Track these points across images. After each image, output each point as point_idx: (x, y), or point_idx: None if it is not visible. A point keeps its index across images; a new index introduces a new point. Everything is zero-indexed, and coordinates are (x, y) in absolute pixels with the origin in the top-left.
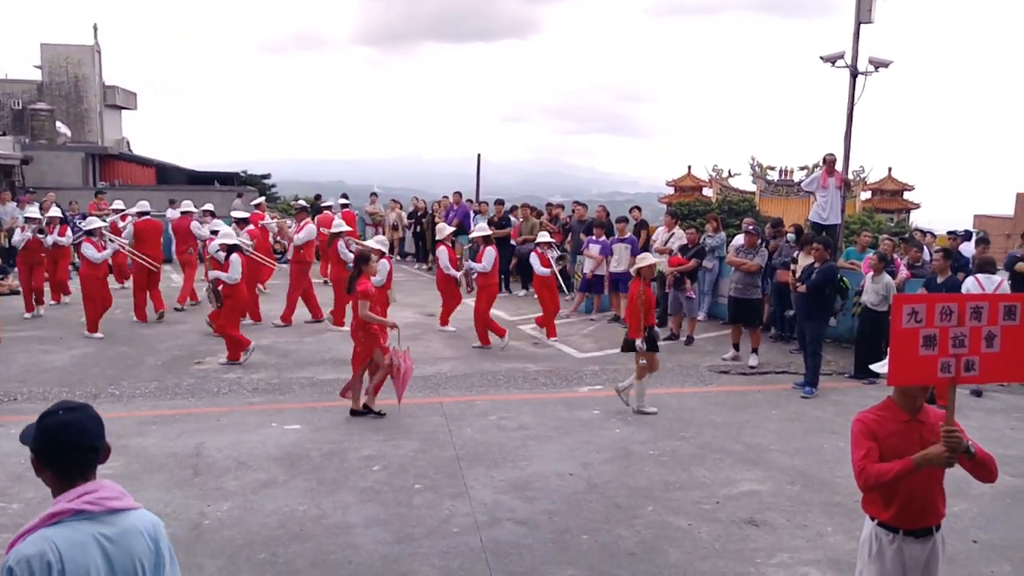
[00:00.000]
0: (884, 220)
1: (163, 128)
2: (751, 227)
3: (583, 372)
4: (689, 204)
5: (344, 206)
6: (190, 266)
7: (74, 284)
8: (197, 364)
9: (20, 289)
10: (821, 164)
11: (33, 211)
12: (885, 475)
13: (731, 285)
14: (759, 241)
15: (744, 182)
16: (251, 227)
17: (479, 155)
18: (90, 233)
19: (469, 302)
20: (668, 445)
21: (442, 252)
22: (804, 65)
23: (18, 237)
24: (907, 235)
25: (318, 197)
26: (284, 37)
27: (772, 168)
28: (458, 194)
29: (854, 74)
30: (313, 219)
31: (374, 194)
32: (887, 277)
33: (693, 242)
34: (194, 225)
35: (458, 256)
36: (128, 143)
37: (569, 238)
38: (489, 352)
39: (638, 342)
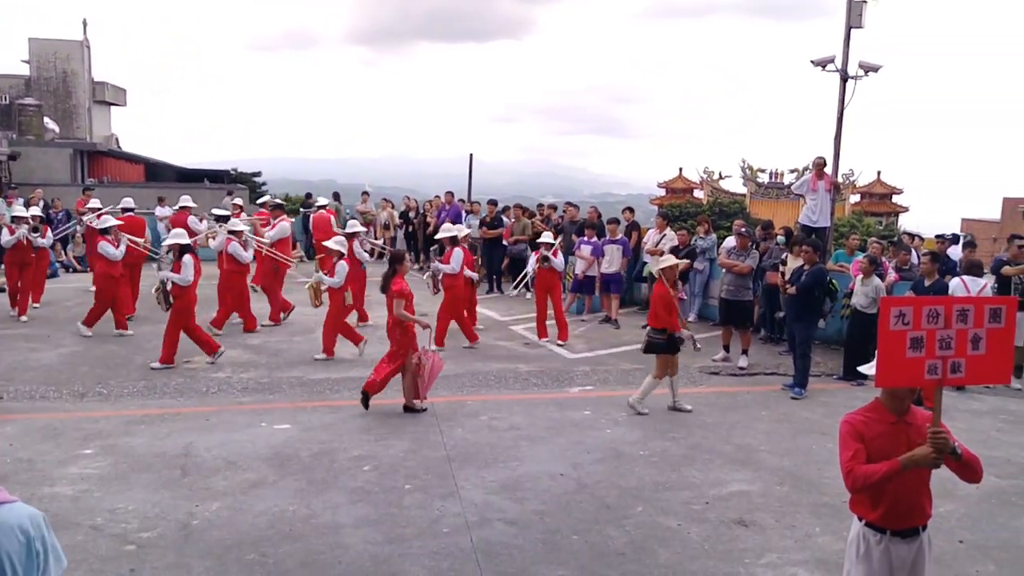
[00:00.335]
0: (873, 223)
1: (153, 125)
2: (743, 229)
3: (574, 373)
4: (680, 206)
5: (322, 206)
6: None
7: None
8: (186, 363)
9: (6, 287)
10: (811, 167)
11: (20, 209)
12: (872, 476)
13: (722, 287)
14: (750, 243)
15: (735, 184)
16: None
17: (471, 155)
18: (105, 231)
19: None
20: (658, 445)
21: (457, 253)
22: (795, 68)
23: (8, 237)
24: (896, 238)
25: (308, 196)
26: (276, 35)
27: (763, 171)
28: (450, 194)
29: (844, 78)
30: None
31: (365, 193)
32: (876, 280)
33: (684, 243)
34: (191, 220)
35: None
36: (117, 140)
37: (560, 239)
38: (480, 352)
39: (649, 330)
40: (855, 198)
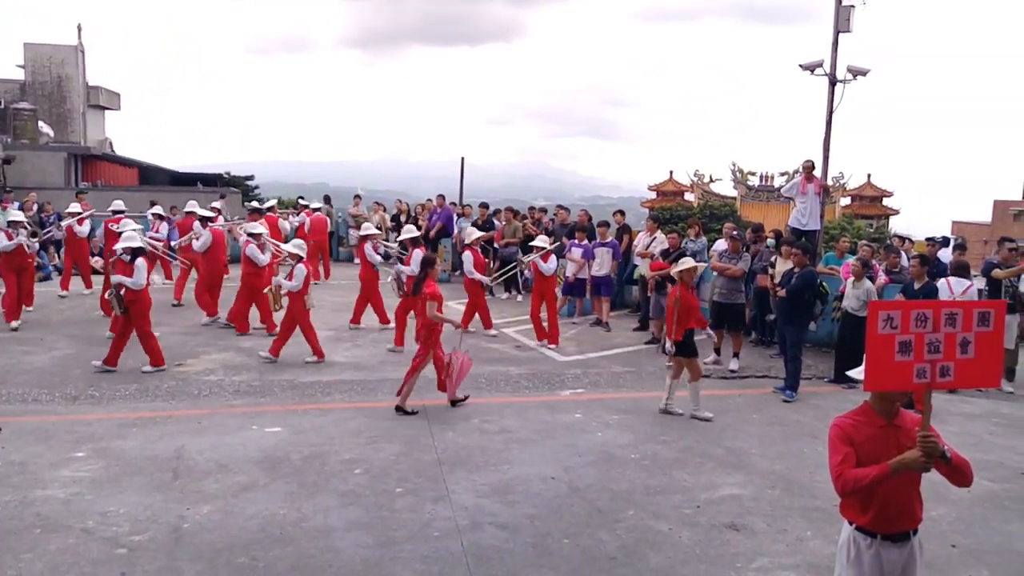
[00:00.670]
0: (864, 226)
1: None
2: (734, 232)
3: (565, 375)
4: (671, 209)
5: (316, 209)
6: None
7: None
8: (178, 366)
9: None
10: (800, 170)
11: (18, 214)
12: (862, 480)
13: (714, 290)
14: (742, 246)
15: (725, 187)
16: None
17: (463, 158)
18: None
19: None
20: (650, 449)
21: (467, 256)
22: (785, 72)
23: (7, 242)
24: (887, 241)
25: (300, 199)
26: (271, 39)
27: (753, 174)
28: (441, 197)
29: (832, 82)
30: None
31: (357, 196)
32: (868, 283)
33: (674, 246)
34: (196, 226)
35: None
36: (111, 143)
37: (554, 241)
38: (471, 355)
39: (668, 345)
40: (845, 201)
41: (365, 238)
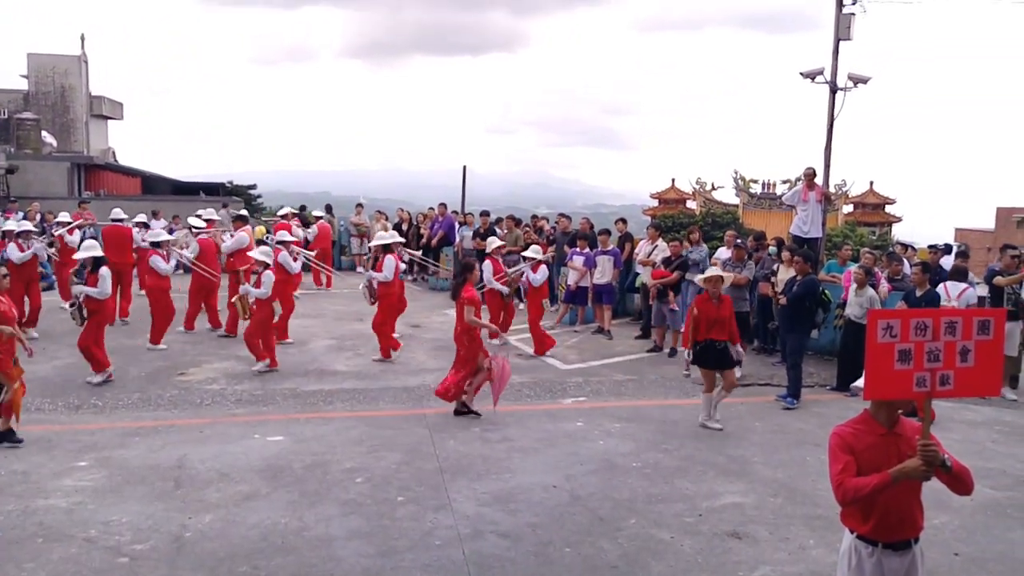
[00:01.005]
0: (866, 233)
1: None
2: (739, 241)
3: (567, 384)
4: (673, 217)
5: (319, 217)
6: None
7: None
8: (180, 375)
9: None
10: (802, 178)
11: (26, 224)
12: (863, 489)
13: None
14: (746, 254)
15: (728, 195)
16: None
17: (464, 167)
18: (157, 245)
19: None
20: (651, 457)
21: (487, 266)
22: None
23: (20, 254)
24: (890, 249)
25: (303, 208)
26: (274, 50)
27: (755, 181)
28: (443, 205)
29: (833, 90)
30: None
31: (360, 205)
32: (871, 290)
33: (676, 254)
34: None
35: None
36: (114, 153)
37: (553, 250)
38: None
39: (686, 352)
40: (848, 208)
41: (389, 246)
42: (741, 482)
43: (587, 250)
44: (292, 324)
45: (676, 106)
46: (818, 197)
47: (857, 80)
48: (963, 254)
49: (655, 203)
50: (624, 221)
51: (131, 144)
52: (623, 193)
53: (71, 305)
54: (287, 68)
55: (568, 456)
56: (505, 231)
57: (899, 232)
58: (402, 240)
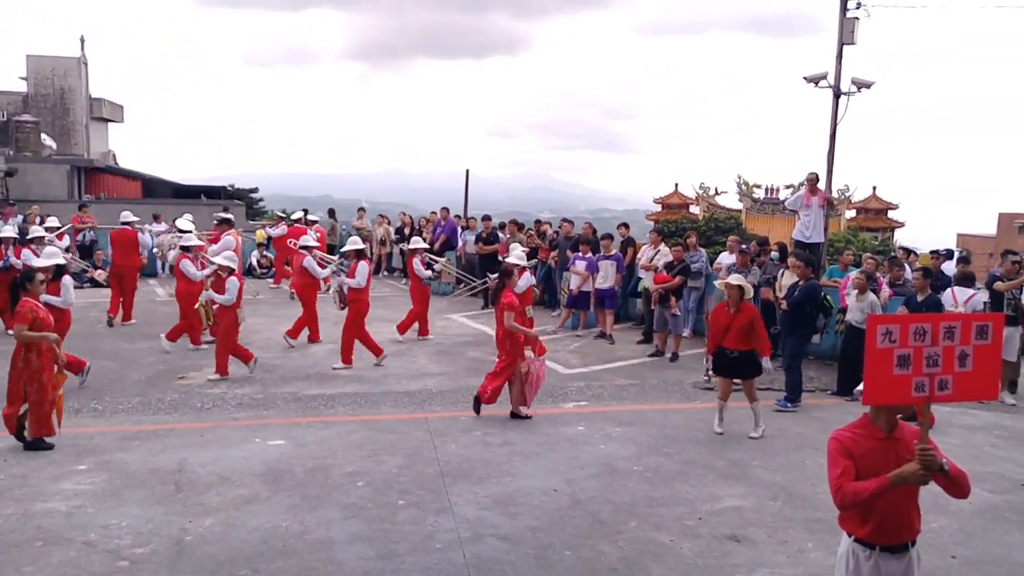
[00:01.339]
0: (869, 239)
1: (150, 141)
2: (743, 246)
3: (568, 388)
4: (676, 221)
5: (314, 221)
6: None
7: None
8: (181, 379)
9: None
10: (805, 183)
11: (38, 229)
12: (861, 494)
13: None
14: (750, 260)
15: (731, 200)
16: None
17: (467, 171)
18: (186, 249)
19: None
20: (652, 461)
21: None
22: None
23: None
24: (892, 254)
25: (305, 212)
26: (275, 52)
27: (758, 186)
28: (445, 209)
29: (837, 95)
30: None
31: (362, 209)
32: (872, 296)
33: (678, 259)
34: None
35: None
36: (114, 156)
37: (556, 254)
38: (474, 368)
39: (705, 362)
40: (851, 213)
41: (414, 252)
42: (741, 486)
43: (589, 255)
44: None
45: (679, 110)
46: (820, 202)
47: (861, 85)
48: (964, 260)
49: (658, 208)
50: (626, 226)
51: (132, 147)
52: (626, 197)
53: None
54: (289, 70)
55: (569, 460)
56: (508, 235)
57: (901, 237)
58: (427, 246)
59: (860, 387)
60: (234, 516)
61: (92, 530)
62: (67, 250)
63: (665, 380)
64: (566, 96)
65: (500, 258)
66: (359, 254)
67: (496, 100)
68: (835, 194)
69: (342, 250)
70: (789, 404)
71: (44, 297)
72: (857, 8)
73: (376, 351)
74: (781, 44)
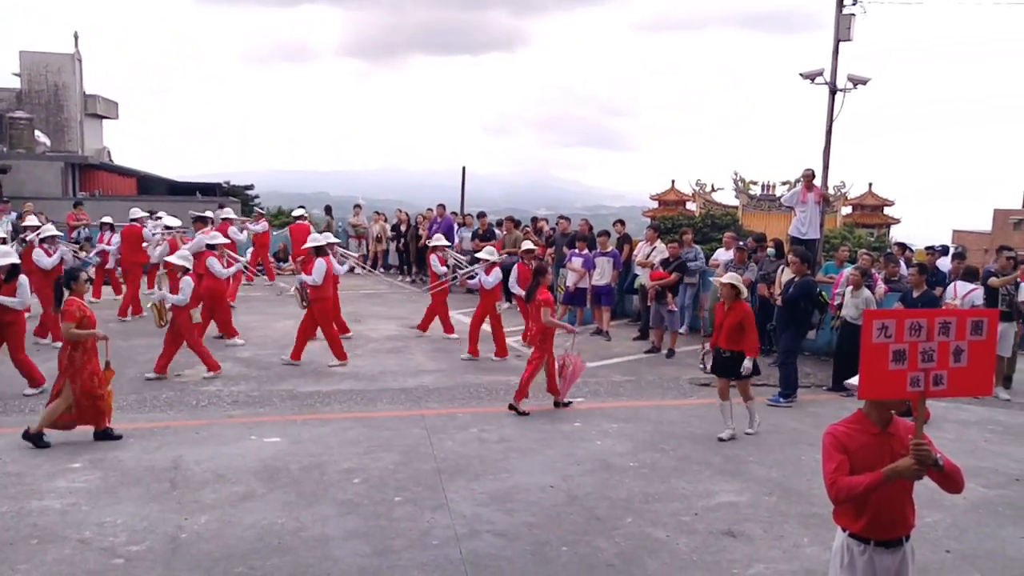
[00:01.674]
0: (864, 235)
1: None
2: (741, 243)
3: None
4: (673, 218)
5: (300, 217)
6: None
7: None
8: (177, 377)
9: None
10: (801, 179)
11: (50, 227)
12: (856, 488)
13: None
14: (747, 256)
15: (727, 197)
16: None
17: (464, 167)
18: (212, 247)
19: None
20: (648, 457)
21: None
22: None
23: (48, 260)
24: (888, 250)
25: (300, 208)
26: (270, 48)
27: (755, 183)
28: (442, 206)
29: (833, 91)
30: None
31: (358, 206)
32: (867, 292)
33: (674, 256)
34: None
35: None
36: (109, 153)
37: (552, 251)
38: (472, 365)
39: (702, 353)
40: (847, 210)
41: (433, 249)
42: (736, 481)
43: (586, 251)
44: (288, 325)
45: (676, 107)
46: (817, 199)
47: (857, 81)
48: (960, 256)
49: (655, 204)
50: (623, 223)
51: (126, 144)
52: (623, 194)
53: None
54: (285, 67)
55: (565, 456)
56: (504, 232)
57: (897, 234)
58: (447, 244)
59: (851, 380)
60: (230, 513)
61: (87, 528)
62: (80, 247)
63: (661, 376)
64: (563, 93)
65: (498, 254)
66: (318, 251)
67: (493, 97)
68: (831, 190)
69: (303, 247)
70: (782, 399)
71: (3, 299)
72: (853, 4)
73: (341, 355)
74: (778, 40)
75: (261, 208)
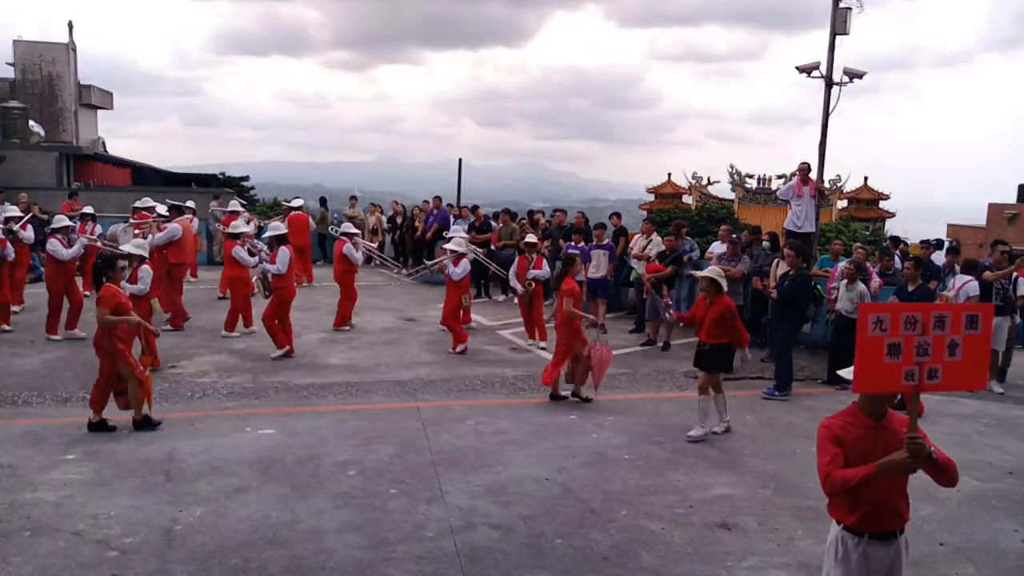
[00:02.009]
0: (860, 228)
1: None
2: (734, 236)
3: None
4: (669, 211)
5: (297, 208)
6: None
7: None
8: (171, 368)
9: None
10: (797, 173)
11: (62, 219)
12: (850, 481)
13: None
14: (740, 249)
15: (723, 190)
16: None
17: (460, 160)
18: (235, 236)
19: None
20: (643, 450)
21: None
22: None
23: (68, 251)
24: (883, 244)
25: (296, 198)
26: (267, 39)
27: (751, 176)
28: (438, 198)
29: (829, 84)
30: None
31: (353, 198)
32: (861, 285)
33: (670, 249)
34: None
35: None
36: (103, 143)
37: (548, 244)
38: (468, 357)
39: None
40: (842, 203)
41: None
42: (731, 474)
43: (582, 244)
44: None
45: (673, 101)
46: (812, 192)
47: (853, 75)
48: (954, 250)
49: (651, 197)
50: (618, 215)
51: (121, 134)
52: (619, 187)
53: None
54: (278, 58)
55: (560, 449)
56: (500, 225)
57: (893, 227)
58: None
59: (843, 371)
60: (224, 506)
61: (81, 520)
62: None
63: (657, 369)
64: (560, 86)
65: (492, 247)
66: (279, 240)
67: (490, 89)
68: (827, 184)
69: (265, 236)
70: (777, 392)
71: None
72: None
73: (282, 343)
74: (775, 34)
75: (241, 202)
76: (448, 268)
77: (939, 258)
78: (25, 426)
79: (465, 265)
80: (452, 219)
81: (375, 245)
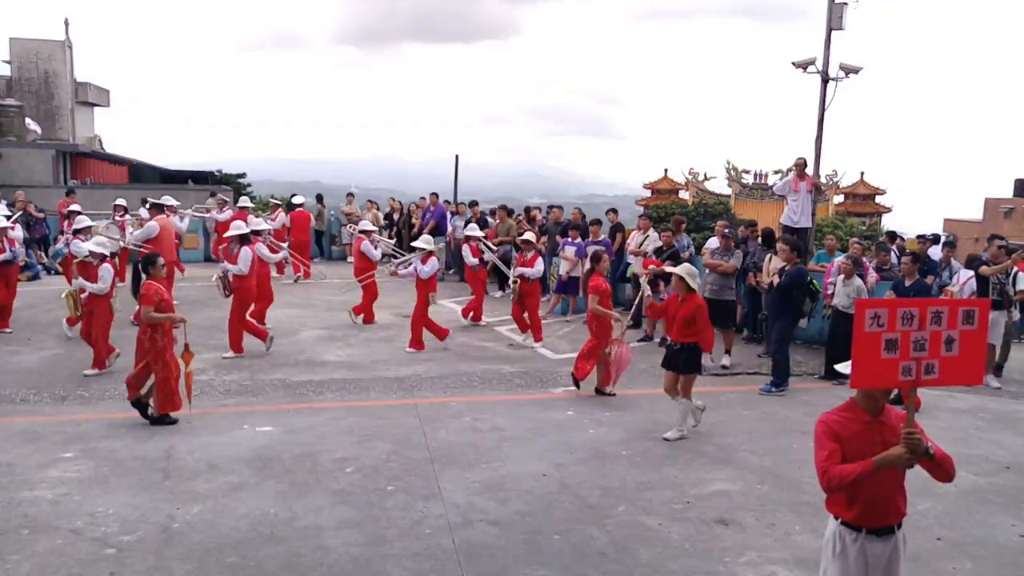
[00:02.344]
0: (856, 223)
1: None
2: (726, 230)
3: (558, 373)
4: (665, 207)
5: (299, 205)
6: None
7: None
8: None
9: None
10: (793, 168)
11: (84, 219)
12: (847, 476)
13: (705, 286)
14: (734, 244)
15: (720, 185)
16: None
17: (456, 156)
18: (256, 234)
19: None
20: (641, 446)
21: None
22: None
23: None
24: (879, 239)
25: (293, 196)
26: (263, 36)
27: (747, 172)
28: (435, 195)
29: (825, 80)
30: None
31: (351, 194)
32: (858, 280)
33: (667, 245)
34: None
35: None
36: (100, 141)
37: (545, 240)
38: (465, 354)
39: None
40: (839, 199)
41: (467, 239)
42: (728, 469)
43: (579, 240)
44: (281, 314)
45: (670, 96)
46: (808, 187)
47: (849, 70)
48: (950, 244)
49: (648, 193)
50: (615, 211)
51: (118, 132)
52: (616, 183)
53: None
54: (276, 54)
55: (558, 445)
56: (497, 221)
57: (889, 222)
58: (482, 235)
59: (840, 366)
60: (222, 503)
61: (79, 518)
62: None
63: (653, 365)
64: (557, 82)
65: (488, 243)
66: (242, 239)
67: (488, 86)
68: (824, 179)
69: (225, 235)
70: (774, 388)
71: None
72: None
73: (238, 347)
74: (771, 29)
75: (223, 198)
76: (416, 266)
77: (936, 253)
78: (23, 424)
79: (433, 263)
80: (449, 215)
81: (392, 242)
